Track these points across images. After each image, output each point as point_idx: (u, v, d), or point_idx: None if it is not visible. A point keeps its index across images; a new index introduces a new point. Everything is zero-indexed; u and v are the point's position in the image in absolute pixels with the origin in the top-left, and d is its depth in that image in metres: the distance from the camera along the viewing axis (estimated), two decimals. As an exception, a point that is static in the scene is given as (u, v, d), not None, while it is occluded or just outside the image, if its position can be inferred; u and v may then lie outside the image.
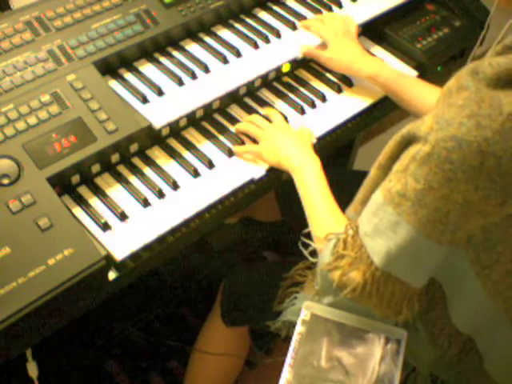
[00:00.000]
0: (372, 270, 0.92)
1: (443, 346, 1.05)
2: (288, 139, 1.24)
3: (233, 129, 1.32)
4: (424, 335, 1.05)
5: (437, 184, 0.85)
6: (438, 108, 0.88)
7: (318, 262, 1.02)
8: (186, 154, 1.26)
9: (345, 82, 1.45)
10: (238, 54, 1.37)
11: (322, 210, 1.10)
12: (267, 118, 1.33)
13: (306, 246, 1.08)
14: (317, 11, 1.51)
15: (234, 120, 1.34)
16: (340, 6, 1.54)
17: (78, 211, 1.12)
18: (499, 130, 0.81)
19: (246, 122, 1.32)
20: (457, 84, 0.88)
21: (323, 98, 1.40)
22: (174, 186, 1.19)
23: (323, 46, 1.42)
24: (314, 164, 1.18)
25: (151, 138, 1.25)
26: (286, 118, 1.33)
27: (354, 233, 0.96)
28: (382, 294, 0.94)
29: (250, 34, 1.42)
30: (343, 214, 1.06)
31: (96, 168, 1.17)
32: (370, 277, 0.93)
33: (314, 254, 1.07)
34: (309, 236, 1.09)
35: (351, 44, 1.40)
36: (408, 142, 0.90)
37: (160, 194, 1.17)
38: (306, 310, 1.01)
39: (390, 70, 1.37)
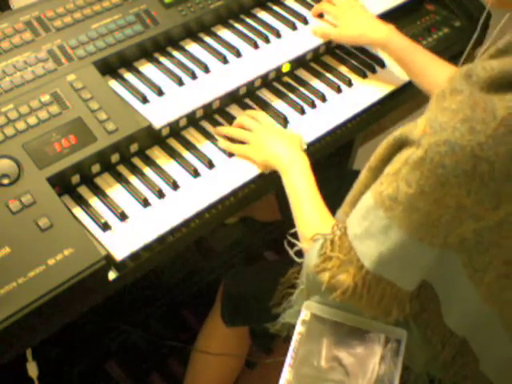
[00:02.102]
0: (363, 274, 0.91)
1: (437, 347, 1.04)
2: (277, 138, 1.23)
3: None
4: (417, 336, 1.05)
5: (429, 188, 0.83)
6: (431, 111, 0.87)
7: (304, 262, 1.01)
8: (186, 154, 1.26)
9: (345, 81, 1.45)
10: (238, 53, 1.37)
11: (309, 208, 1.08)
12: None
13: (293, 245, 1.08)
14: (317, 11, 1.51)
15: (233, 120, 1.33)
16: (340, 5, 1.54)
17: (78, 211, 1.12)
18: (492, 135, 0.80)
19: (233, 128, 1.29)
20: (450, 87, 0.86)
21: (323, 98, 1.40)
22: (174, 185, 1.19)
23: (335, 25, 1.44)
24: (303, 163, 1.17)
25: (151, 137, 1.24)
26: (285, 118, 1.33)
27: (342, 234, 0.95)
28: (373, 296, 0.92)
29: (250, 34, 1.42)
30: (332, 217, 1.04)
31: (96, 168, 1.17)
32: (360, 280, 0.91)
33: (299, 254, 1.06)
34: (296, 236, 1.09)
35: (360, 16, 1.41)
36: (400, 145, 0.89)
37: (160, 194, 1.17)
38: (305, 310, 1.00)
39: (401, 37, 1.35)
